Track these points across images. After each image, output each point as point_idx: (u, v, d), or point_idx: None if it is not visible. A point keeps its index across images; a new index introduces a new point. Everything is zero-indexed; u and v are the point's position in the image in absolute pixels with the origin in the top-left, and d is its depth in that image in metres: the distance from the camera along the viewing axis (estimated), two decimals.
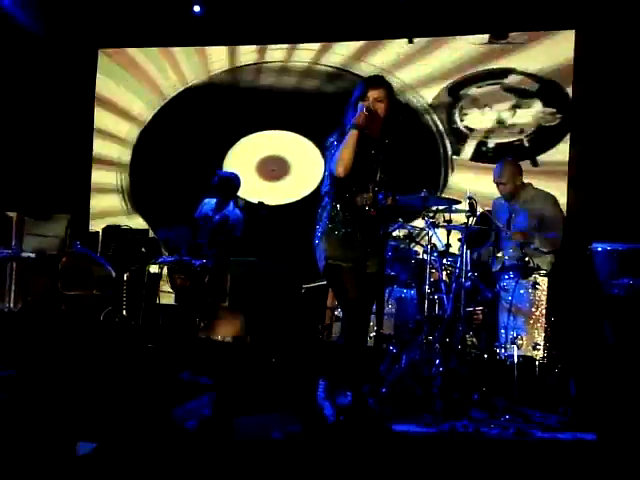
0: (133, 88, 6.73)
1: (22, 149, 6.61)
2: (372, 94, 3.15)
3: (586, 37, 5.51)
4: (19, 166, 6.56)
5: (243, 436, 2.88)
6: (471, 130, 5.89)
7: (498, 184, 4.28)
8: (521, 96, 5.75)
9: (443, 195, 5.64)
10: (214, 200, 5.30)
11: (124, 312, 5.09)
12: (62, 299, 5.29)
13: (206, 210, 5.31)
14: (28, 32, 6.34)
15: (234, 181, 5.27)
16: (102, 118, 6.77)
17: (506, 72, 5.78)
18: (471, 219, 3.79)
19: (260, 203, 5.53)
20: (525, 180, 4.33)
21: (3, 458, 2.43)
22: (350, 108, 3.21)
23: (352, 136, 3.07)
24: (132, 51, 6.74)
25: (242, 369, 4.11)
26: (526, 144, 5.70)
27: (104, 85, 6.77)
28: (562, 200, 5.06)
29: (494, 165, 4.47)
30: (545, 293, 3.70)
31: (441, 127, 5.96)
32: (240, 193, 6.10)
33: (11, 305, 5.80)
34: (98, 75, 6.75)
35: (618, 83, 5.33)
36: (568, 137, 5.60)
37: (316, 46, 6.29)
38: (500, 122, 5.79)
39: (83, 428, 2.77)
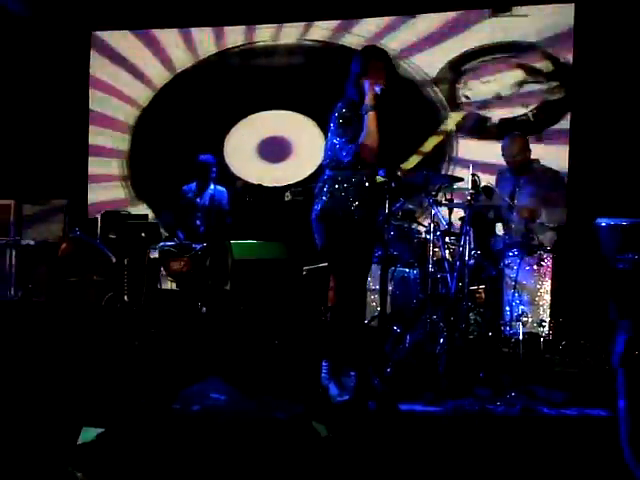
0: (129, 72, 6.65)
1: (17, 135, 6.55)
2: (373, 65, 3.10)
3: (585, 9, 5.44)
4: (15, 153, 6.51)
5: (246, 417, 2.87)
6: (475, 105, 5.82)
7: (507, 159, 4.25)
8: (524, 70, 5.68)
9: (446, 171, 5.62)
10: (193, 185, 5.44)
11: (125, 298, 5.06)
12: (63, 286, 5.26)
13: (190, 196, 5.44)
14: (14, 14, 6.26)
15: (208, 163, 5.37)
16: (97, 102, 6.69)
17: (509, 46, 5.70)
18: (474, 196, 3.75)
19: (259, 185, 5.53)
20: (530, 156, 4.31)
21: (6, 448, 2.42)
22: (351, 80, 3.17)
23: (372, 120, 3.04)
24: (124, 33, 6.64)
25: (246, 352, 4.10)
26: (531, 119, 5.63)
27: (98, 69, 6.69)
28: (565, 175, 5.03)
29: (498, 141, 4.43)
30: (550, 269, 3.68)
31: (444, 101, 5.89)
32: (241, 175, 6.11)
33: (12, 293, 5.78)
34: (92, 59, 6.67)
35: (619, 56, 5.26)
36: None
37: (319, 24, 6.19)
38: (504, 97, 5.71)
39: (87, 414, 2.76)
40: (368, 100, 3.06)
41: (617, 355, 2.10)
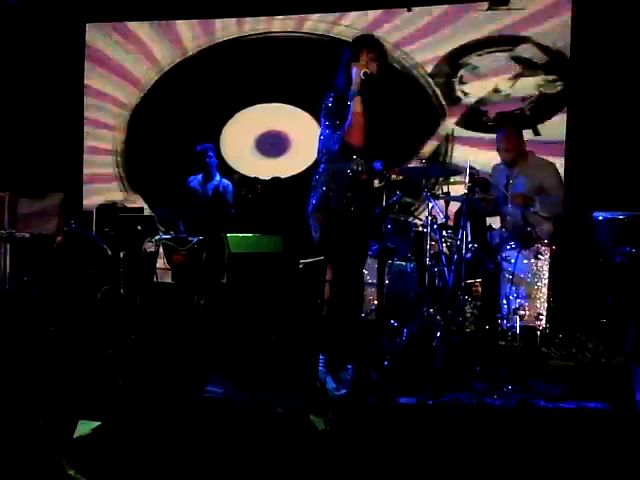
0: (124, 63, 6.61)
1: (12, 128, 6.50)
2: (365, 54, 3.08)
3: (583, 3, 5.43)
4: (9, 145, 6.47)
5: (243, 411, 2.86)
6: (472, 99, 5.79)
7: (500, 151, 4.24)
8: (521, 63, 5.66)
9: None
10: (200, 175, 5.52)
11: (121, 291, 5.04)
12: (58, 279, 5.24)
13: (194, 185, 5.52)
14: (10, 5, 6.21)
15: (204, 149, 5.43)
16: (93, 100, 6.67)
17: (507, 40, 5.68)
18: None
19: (255, 178, 5.55)
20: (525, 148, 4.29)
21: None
22: (342, 68, 3.14)
23: (357, 104, 3.01)
24: (113, 31, 6.60)
25: (242, 345, 4.10)
26: (527, 112, 5.62)
27: (95, 64, 6.65)
28: (561, 168, 5.02)
29: (495, 135, 4.41)
30: (547, 263, 3.67)
31: (440, 96, 5.87)
32: (239, 169, 6.10)
33: (7, 286, 5.75)
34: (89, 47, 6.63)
35: (617, 50, 5.26)
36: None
37: (315, 17, 6.18)
38: (500, 91, 5.69)
39: (83, 407, 2.75)
40: (354, 85, 3.04)
41: (630, 350, 2.11)
